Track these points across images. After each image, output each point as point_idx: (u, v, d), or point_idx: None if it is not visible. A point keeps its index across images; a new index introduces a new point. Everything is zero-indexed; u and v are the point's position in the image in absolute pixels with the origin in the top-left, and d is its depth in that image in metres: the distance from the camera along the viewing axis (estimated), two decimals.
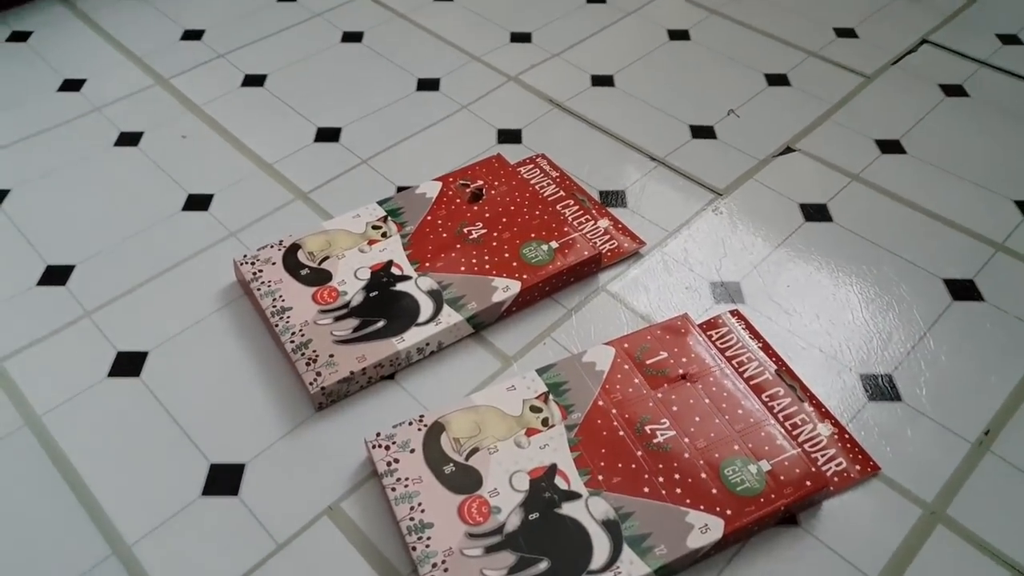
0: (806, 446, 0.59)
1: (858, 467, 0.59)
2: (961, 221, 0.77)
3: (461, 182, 0.78)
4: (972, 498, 0.57)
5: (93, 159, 0.85)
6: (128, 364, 0.66)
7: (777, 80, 0.93)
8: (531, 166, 0.83)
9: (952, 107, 0.89)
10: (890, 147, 0.85)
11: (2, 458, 0.60)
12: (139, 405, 0.63)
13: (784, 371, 0.65)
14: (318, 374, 0.62)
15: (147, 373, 0.66)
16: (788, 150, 0.85)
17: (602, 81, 0.94)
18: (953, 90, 0.92)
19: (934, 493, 0.57)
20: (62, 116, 0.90)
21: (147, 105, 0.92)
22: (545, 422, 0.59)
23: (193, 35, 1.02)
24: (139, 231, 0.77)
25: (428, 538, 0.53)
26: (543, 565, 0.52)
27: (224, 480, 0.59)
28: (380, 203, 0.76)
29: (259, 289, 0.68)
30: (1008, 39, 0.99)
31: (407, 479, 0.56)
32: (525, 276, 0.69)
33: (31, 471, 0.60)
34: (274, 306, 0.67)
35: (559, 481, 0.56)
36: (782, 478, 0.55)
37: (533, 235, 0.72)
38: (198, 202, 0.80)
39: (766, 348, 0.66)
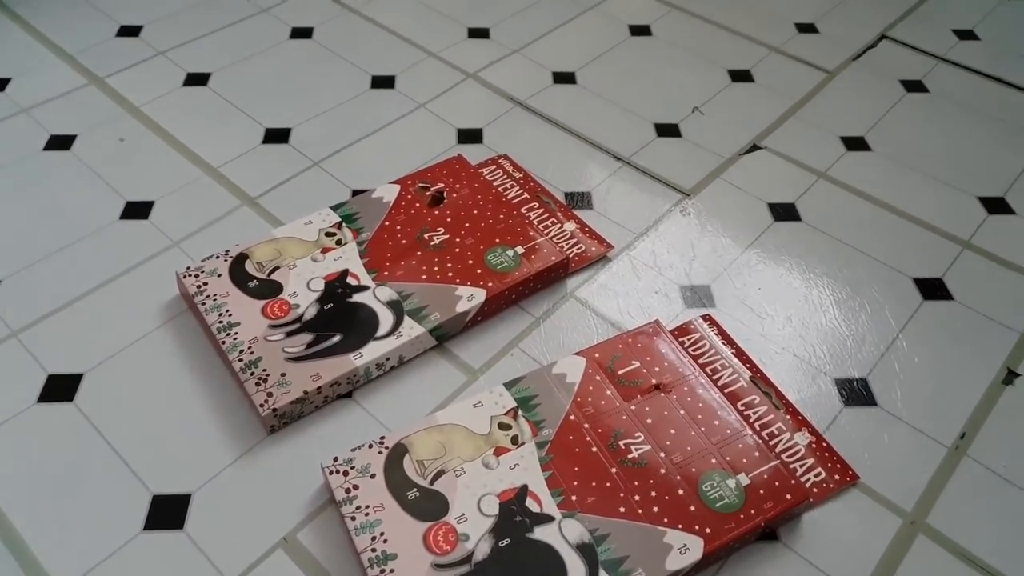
0: (784, 457, 0.58)
1: (836, 477, 0.57)
2: (927, 218, 0.76)
3: (420, 185, 0.74)
4: (951, 505, 0.56)
5: (21, 164, 0.79)
6: (60, 388, 0.61)
7: (740, 76, 0.92)
8: (493, 167, 0.80)
9: (913, 103, 0.89)
10: (855, 144, 0.84)
11: None
12: (73, 433, 0.58)
13: (759, 377, 0.63)
14: (269, 395, 0.58)
15: (81, 397, 0.60)
16: (754, 148, 0.83)
17: (564, 78, 0.91)
18: (913, 86, 0.91)
19: (913, 501, 0.56)
20: None
21: (80, 106, 0.86)
22: (515, 440, 0.56)
23: (130, 31, 0.95)
24: (73, 242, 0.72)
25: (392, 570, 0.50)
26: None
27: (168, 513, 0.54)
28: (334, 208, 0.72)
29: (204, 303, 0.64)
30: (964, 34, 0.99)
31: (368, 507, 0.53)
32: (490, 284, 0.66)
33: None
34: (220, 321, 0.62)
35: (531, 503, 0.53)
36: (761, 492, 0.53)
37: (498, 240, 0.69)
38: (137, 210, 0.75)
39: (739, 354, 0.64)
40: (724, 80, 0.91)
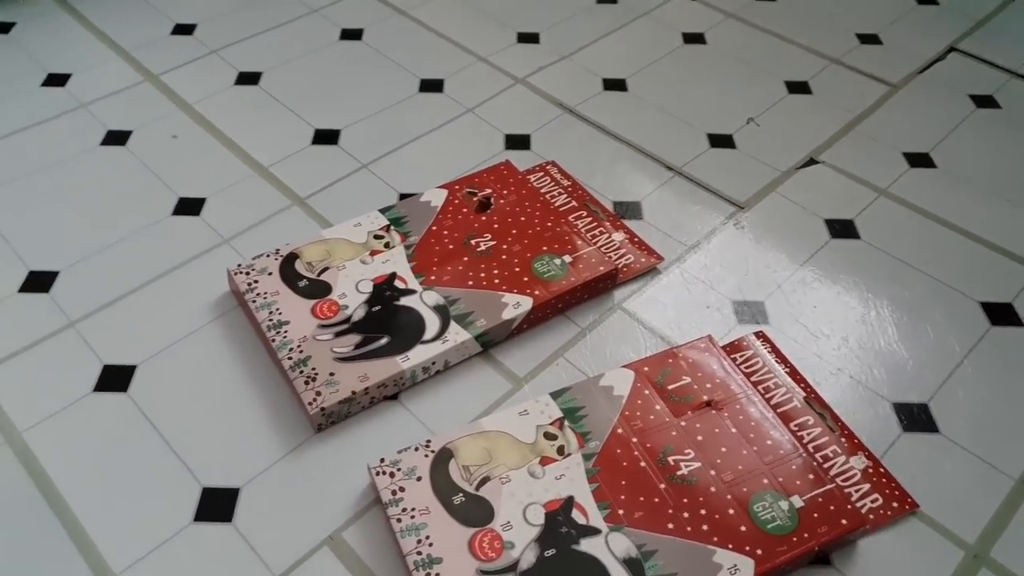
0: (839, 480, 0.56)
1: (895, 504, 0.55)
2: (996, 240, 0.73)
3: (468, 190, 0.74)
4: (1017, 539, 0.53)
5: (78, 159, 0.80)
6: (115, 378, 0.62)
7: (798, 88, 0.90)
8: (541, 174, 0.79)
9: (983, 119, 0.86)
10: (919, 160, 0.81)
11: None
12: (126, 422, 0.59)
13: (813, 398, 0.61)
14: (318, 393, 0.58)
15: (135, 388, 0.61)
16: (811, 162, 0.81)
17: (614, 85, 0.90)
18: (984, 101, 0.88)
19: (976, 534, 0.54)
20: (46, 112, 0.85)
21: (136, 102, 0.87)
22: (561, 450, 0.55)
23: (184, 29, 0.97)
24: (127, 236, 0.73)
25: (436, 574, 0.49)
26: None
27: (217, 505, 0.55)
28: (382, 211, 0.72)
29: (254, 301, 0.64)
30: None
31: (414, 509, 0.52)
32: (537, 292, 0.65)
33: (10, 491, 0.55)
34: (270, 319, 0.63)
35: (576, 515, 0.52)
36: (815, 515, 0.52)
37: (545, 248, 0.68)
38: (189, 206, 0.76)
39: (793, 373, 0.63)
40: (781, 91, 0.89)
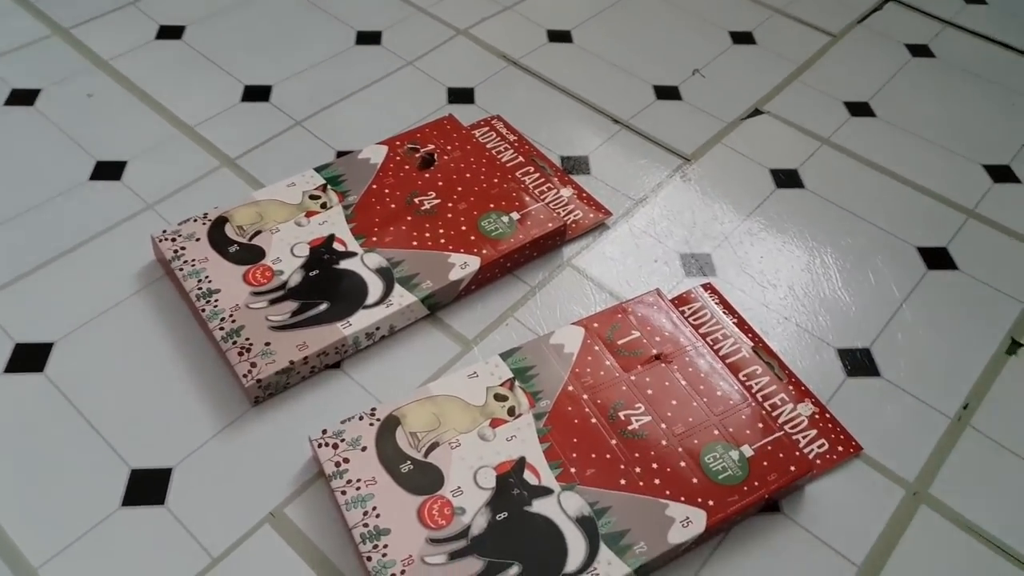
0: (787, 428, 0.56)
1: (839, 448, 0.56)
2: (932, 186, 0.74)
3: (409, 146, 0.71)
4: (954, 476, 0.55)
5: None
6: (29, 358, 0.58)
7: (742, 38, 0.89)
8: (486, 128, 0.76)
9: (919, 68, 0.87)
10: (859, 109, 0.82)
11: None
12: (44, 405, 0.55)
13: (761, 348, 0.61)
14: (253, 365, 0.55)
15: (52, 368, 0.57)
16: (756, 112, 0.81)
17: (559, 36, 0.87)
18: (919, 50, 0.89)
19: (916, 472, 0.55)
20: None
21: (44, 59, 0.80)
22: (511, 411, 0.54)
23: None
24: (40, 203, 0.68)
25: (385, 546, 0.48)
26: (513, 570, 0.47)
27: (148, 487, 0.52)
28: (318, 170, 0.68)
29: (181, 269, 0.60)
30: None
31: (359, 480, 0.50)
32: (484, 251, 0.63)
33: None
34: (200, 288, 0.59)
35: (528, 476, 0.51)
36: (765, 464, 0.52)
37: (492, 205, 0.66)
38: (109, 170, 0.71)
39: (741, 324, 0.63)
40: (726, 42, 0.88)
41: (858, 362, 0.61)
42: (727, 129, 0.79)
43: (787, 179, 0.74)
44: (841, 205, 0.72)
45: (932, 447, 0.57)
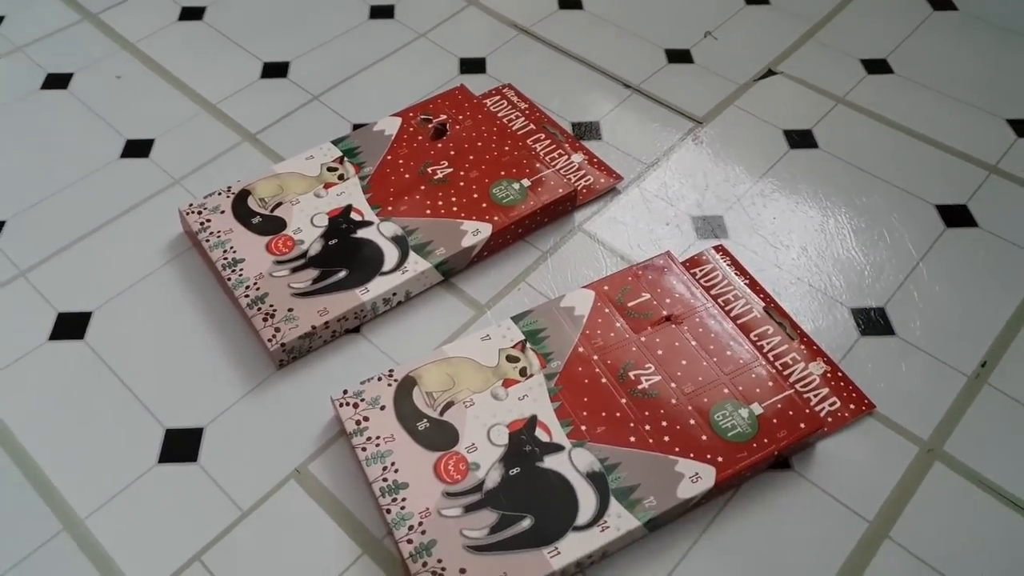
0: (798, 386, 0.57)
1: (852, 406, 0.56)
2: (952, 143, 0.73)
3: (422, 117, 0.72)
4: (970, 433, 0.55)
5: (19, 105, 0.77)
6: (71, 326, 0.61)
7: None
8: (498, 97, 0.77)
9: (940, 22, 0.85)
10: (876, 67, 0.80)
11: None
12: (85, 370, 0.59)
13: (773, 308, 0.61)
14: (277, 330, 0.58)
15: (91, 335, 0.60)
16: (769, 73, 0.80)
17: (569, 3, 0.87)
18: (940, 3, 0.87)
19: (931, 429, 0.55)
20: None
21: (75, 43, 0.83)
22: (523, 372, 0.56)
23: None
24: (75, 181, 0.71)
25: (403, 499, 0.50)
26: (526, 523, 0.49)
27: (181, 446, 0.55)
28: (335, 143, 0.70)
29: (208, 240, 0.63)
30: None
31: (378, 438, 0.53)
32: (496, 218, 0.64)
33: None
34: (225, 258, 0.62)
35: (540, 433, 0.53)
36: (775, 421, 0.53)
37: (503, 173, 0.67)
38: (138, 148, 0.73)
39: (753, 285, 0.63)
40: (738, 2, 0.87)
41: (872, 321, 0.61)
42: (740, 91, 0.78)
43: (801, 139, 0.74)
44: (856, 164, 0.72)
45: (948, 405, 0.56)
